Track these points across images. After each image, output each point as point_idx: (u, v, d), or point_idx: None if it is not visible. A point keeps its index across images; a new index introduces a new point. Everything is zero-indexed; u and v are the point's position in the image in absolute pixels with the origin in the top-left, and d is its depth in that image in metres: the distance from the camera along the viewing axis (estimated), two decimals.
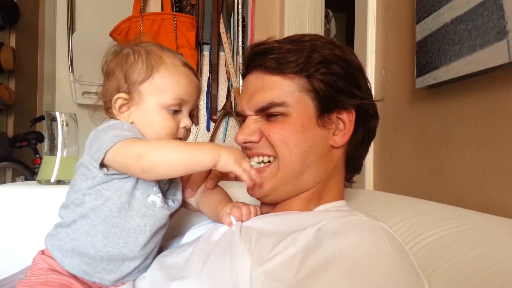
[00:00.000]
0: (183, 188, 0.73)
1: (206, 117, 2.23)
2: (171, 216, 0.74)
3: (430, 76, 0.96)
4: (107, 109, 0.67)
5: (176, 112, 0.66)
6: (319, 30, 2.09)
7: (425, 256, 0.57)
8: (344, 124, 0.69)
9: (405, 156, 1.14)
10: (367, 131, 0.72)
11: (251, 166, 0.60)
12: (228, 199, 0.73)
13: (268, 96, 0.67)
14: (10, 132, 3.42)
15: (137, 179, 0.62)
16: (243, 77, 0.75)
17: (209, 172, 0.75)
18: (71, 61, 2.50)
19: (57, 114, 1.07)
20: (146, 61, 0.64)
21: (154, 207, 0.64)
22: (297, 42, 0.69)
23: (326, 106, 0.67)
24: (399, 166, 1.17)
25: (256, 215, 0.68)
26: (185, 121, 0.66)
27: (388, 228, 0.57)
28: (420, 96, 1.07)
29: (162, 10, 2.07)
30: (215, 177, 0.75)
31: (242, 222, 0.66)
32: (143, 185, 0.63)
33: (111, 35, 1.99)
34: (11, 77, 3.53)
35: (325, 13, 2.20)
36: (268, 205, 0.74)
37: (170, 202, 0.68)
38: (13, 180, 3.13)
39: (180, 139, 0.67)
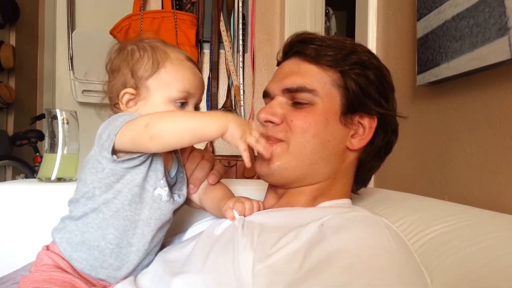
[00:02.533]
0: (187, 184, 0.73)
1: None
2: (175, 212, 0.74)
3: (431, 73, 0.96)
4: (114, 105, 0.68)
5: (183, 105, 0.67)
6: (320, 28, 2.09)
7: (426, 252, 0.57)
8: (364, 129, 0.69)
9: (406, 153, 1.14)
10: (385, 143, 0.72)
11: (258, 139, 0.59)
12: (231, 194, 0.73)
13: (301, 80, 0.68)
14: (10, 130, 3.42)
15: (147, 170, 0.63)
16: (278, 64, 0.76)
17: (212, 168, 0.75)
18: (71, 59, 2.50)
19: (58, 111, 1.07)
20: (152, 57, 0.65)
21: (160, 200, 0.65)
22: (339, 41, 0.71)
23: (352, 106, 0.68)
24: (400, 163, 1.17)
25: (259, 210, 0.68)
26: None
27: (391, 224, 0.57)
28: (421, 93, 1.07)
29: (162, 8, 2.07)
30: (217, 173, 0.75)
31: (245, 216, 0.66)
32: (152, 177, 0.64)
33: (111, 33, 1.99)
34: (11, 75, 3.52)
35: (326, 11, 2.20)
36: (272, 196, 0.75)
37: (175, 196, 0.68)
38: (14, 178, 3.13)
39: None
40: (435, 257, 0.55)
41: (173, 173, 0.69)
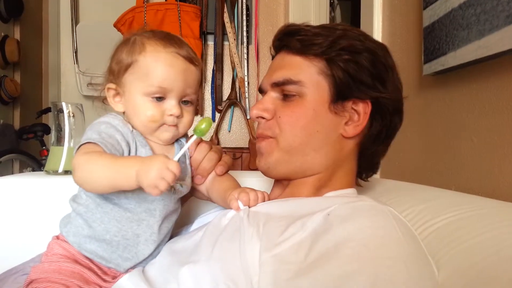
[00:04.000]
0: (193, 175, 0.73)
1: (211, 107, 2.23)
2: (182, 203, 0.75)
3: (437, 62, 0.95)
4: (103, 101, 0.69)
5: (160, 99, 0.64)
6: (324, 18, 2.07)
7: (433, 242, 0.57)
8: (358, 115, 0.68)
9: (412, 143, 1.13)
10: (384, 127, 0.70)
11: (173, 189, 0.61)
12: (238, 186, 0.73)
13: (286, 73, 0.68)
14: (17, 124, 3.43)
15: None
16: (272, 58, 0.76)
17: (219, 159, 0.75)
18: (76, 52, 2.50)
19: (64, 104, 1.08)
20: (129, 51, 0.64)
21: None
22: (328, 28, 0.69)
23: (341, 93, 0.67)
24: (406, 153, 1.16)
25: (264, 201, 0.68)
26: (171, 109, 0.64)
27: (398, 214, 0.57)
28: (427, 83, 1.06)
29: (165, 0, 2.06)
30: (225, 164, 0.75)
31: (249, 207, 0.66)
32: None
33: (115, 25, 1.99)
34: (16, 69, 3.52)
35: (330, 1, 2.18)
36: (277, 187, 0.75)
37: (177, 186, 0.68)
38: (21, 172, 3.15)
39: (175, 126, 0.66)
40: (442, 246, 0.55)
41: None
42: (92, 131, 0.62)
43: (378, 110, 0.68)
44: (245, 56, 2.22)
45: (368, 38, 0.70)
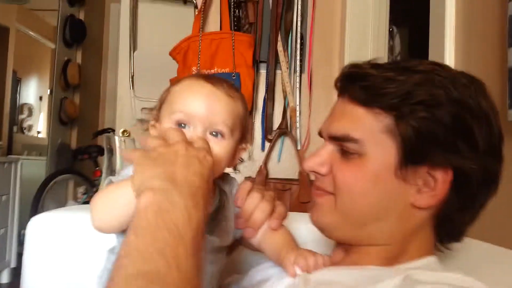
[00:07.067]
0: (244, 227, 0.67)
1: (261, 136, 2.19)
2: (230, 251, 0.70)
3: None
4: None
5: (183, 126, 0.60)
6: (383, 48, 1.98)
7: None
8: (435, 181, 0.55)
9: (500, 198, 1.00)
10: (471, 197, 0.57)
11: None
12: (293, 243, 0.66)
13: (344, 128, 0.58)
14: (73, 144, 3.60)
15: None
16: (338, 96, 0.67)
17: (272, 210, 0.69)
18: (132, 77, 2.59)
19: (116, 139, 1.07)
20: (168, 88, 0.66)
21: None
22: (406, 70, 0.57)
23: (412, 157, 0.55)
24: (493, 211, 1.03)
25: (324, 267, 0.60)
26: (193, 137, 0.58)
27: None
28: None
29: (220, 29, 2.07)
30: (280, 217, 0.68)
31: (308, 273, 0.59)
32: None
33: (170, 54, 2.02)
34: (76, 91, 3.72)
35: (389, 29, 2.09)
36: (338, 249, 0.67)
37: (207, 236, 0.61)
38: (75, 191, 3.28)
39: None
40: None
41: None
42: (125, 170, 0.60)
43: (463, 179, 0.55)
44: (298, 85, 2.16)
45: (458, 83, 0.55)
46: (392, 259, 0.60)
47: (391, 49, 1.95)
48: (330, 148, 0.62)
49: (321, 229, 0.64)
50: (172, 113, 0.60)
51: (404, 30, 2.96)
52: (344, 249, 0.66)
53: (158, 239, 0.41)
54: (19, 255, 2.89)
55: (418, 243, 0.60)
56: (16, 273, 2.89)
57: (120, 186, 0.53)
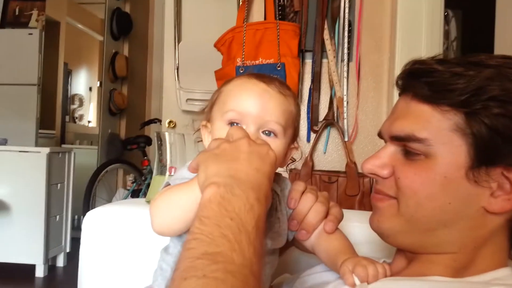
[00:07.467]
0: (297, 229, 0.65)
1: (306, 128, 2.15)
2: (282, 252, 0.68)
3: None
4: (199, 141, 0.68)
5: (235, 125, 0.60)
6: (437, 34, 1.86)
7: None
8: (511, 185, 0.52)
9: None
10: None
11: None
12: (350, 248, 0.63)
13: (409, 126, 0.55)
14: (122, 134, 3.73)
15: None
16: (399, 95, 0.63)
17: (327, 212, 0.66)
18: (177, 69, 2.63)
19: (166, 135, 1.08)
20: (218, 88, 0.65)
21: None
22: (475, 65, 0.53)
23: (486, 157, 0.52)
24: None
25: (385, 276, 0.57)
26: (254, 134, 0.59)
27: None
28: None
29: (265, 18, 2.03)
30: (335, 219, 0.65)
31: (368, 283, 0.56)
32: None
33: (215, 45, 2.01)
34: (124, 83, 3.83)
35: (444, 13, 1.96)
36: (400, 257, 0.63)
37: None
38: (124, 179, 3.41)
39: None
40: None
41: None
42: (177, 173, 0.61)
43: None
44: (345, 74, 2.09)
45: None
46: (460, 270, 0.56)
47: (446, 34, 1.83)
48: (391, 149, 0.59)
49: (382, 235, 0.61)
50: (225, 113, 0.60)
51: (456, 11, 2.78)
52: (407, 257, 0.62)
53: (222, 226, 0.43)
54: (73, 239, 3.06)
55: (490, 252, 0.56)
56: (70, 257, 3.06)
57: (181, 188, 0.54)
